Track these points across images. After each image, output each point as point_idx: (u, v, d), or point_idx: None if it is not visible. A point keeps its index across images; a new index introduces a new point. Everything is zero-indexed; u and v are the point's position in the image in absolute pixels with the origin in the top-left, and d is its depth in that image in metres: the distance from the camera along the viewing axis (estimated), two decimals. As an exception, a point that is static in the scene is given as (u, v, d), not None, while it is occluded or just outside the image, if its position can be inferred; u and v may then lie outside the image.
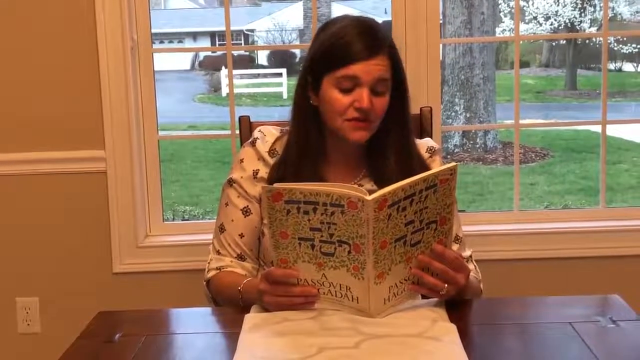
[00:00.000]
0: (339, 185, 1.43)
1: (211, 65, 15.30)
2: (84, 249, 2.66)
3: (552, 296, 1.75)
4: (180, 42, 18.29)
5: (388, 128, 1.68)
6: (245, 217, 1.74)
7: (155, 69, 2.71)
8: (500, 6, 12.61)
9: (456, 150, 8.89)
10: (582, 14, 13.01)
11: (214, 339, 1.46)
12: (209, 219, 5.28)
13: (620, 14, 13.16)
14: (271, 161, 1.74)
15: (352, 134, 1.64)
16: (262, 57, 16.77)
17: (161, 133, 2.78)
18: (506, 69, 13.71)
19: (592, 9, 12.93)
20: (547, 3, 13.13)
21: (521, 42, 4.89)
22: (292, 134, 1.71)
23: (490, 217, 2.88)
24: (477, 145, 8.86)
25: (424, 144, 1.79)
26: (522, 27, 12.30)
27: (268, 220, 1.41)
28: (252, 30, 17.29)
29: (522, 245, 2.66)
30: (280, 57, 15.66)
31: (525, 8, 12.84)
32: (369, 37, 1.62)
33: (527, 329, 1.42)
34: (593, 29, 12.96)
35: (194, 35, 18.38)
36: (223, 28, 2.81)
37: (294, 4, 16.63)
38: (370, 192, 1.35)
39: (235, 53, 15.12)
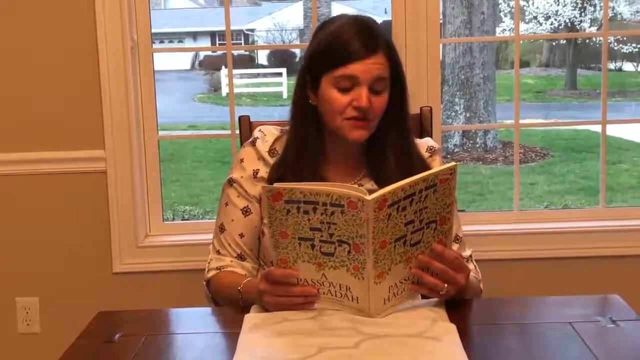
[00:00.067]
0: (339, 185, 1.43)
1: (211, 65, 15.30)
2: (84, 249, 2.66)
3: (552, 296, 1.75)
4: (180, 42, 18.28)
5: (387, 127, 1.68)
6: (245, 217, 1.74)
7: (155, 68, 2.71)
8: (500, 6, 12.61)
9: (456, 150, 8.89)
10: (582, 14, 13.01)
11: (214, 339, 1.46)
12: (209, 218, 5.28)
13: (620, 13, 13.16)
14: (271, 161, 1.73)
15: (351, 133, 1.64)
16: (262, 56, 16.76)
17: (161, 133, 2.79)
18: (506, 69, 13.71)
19: (592, 9, 12.93)
20: (547, 3, 13.13)
21: (521, 41, 4.89)
22: (292, 134, 1.72)
23: (490, 217, 2.88)
24: (477, 145, 8.86)
25: (424, 143, 1.79)
26: (522, 26, 12.30)
27: (268, 220, 1.41)
28: (252, 30, 17.28)
29: (522, 245, 2.66)
30: (280, 57, 15.66)
31: (525, 8, 12.84)
32: (367, 36, 1.62)
33: (527, 329, 1.42)
34: (593, 29, 12.96)
35: (194, 35, 18.38)
36: (223, 28, 2.81)
37: (294, 3, 16.61)
38: (371, 191, 1.35)
39: (235, 53, 15.13)
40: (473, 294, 1.62)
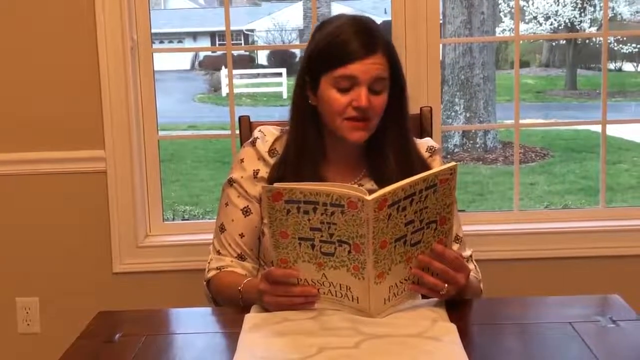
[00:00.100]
0: (339, 185, 1.43)
1: (211, 65, 15.29)
2: (84, 249, 2.66)
3: (552, 296, 1.75)
4: (180, 42, 18.28)
5: (387, 127, 1.68)
6: (245, 217, 1.74)
7: (155, 69, 2.71)
8: (500, 6, 12.60)
9: (456, 150, 8.89)
10: (582, 14, 13.01)
11: (214, 339, 1.46)
12: (209, 218, 5.28)
13: (620, 14, 13.16)
14: (271, 161, 1.73)
15: (351, 134, 1.64)
16: (262, 57, 16.76)
17: (161, 133, 2.79)
18: (506, 69, 13.71)
19: (592, 9, 12.92)
20: (547, 3, 13.13)
21: (521, 42, 4.89)
22: (291, 134, 1.72)
23: (490, 217, 2.88)
24: (477, 145, 8.86)
25: (424, 143, 1.79)
26: (522, 27, 12.30)
27: (268, 220, 1.41)
28: (252, 30, 17.28)
29: (522, 245, 2.66)
30: (280, 57, 15.65)
31: (525, 8, 12.84)
32: (366, 36, 1.62)
33: (527, 329, 1.42)
34: (593, 29, 12.96)
35: (194, 35, 18.37)
36: (223, 28, 2.81)
37: (293, 4, 16.61)
38: (371, 191, 1.35)
39: (235, 53, 15.13)
40: (473, 294, 1.63)
